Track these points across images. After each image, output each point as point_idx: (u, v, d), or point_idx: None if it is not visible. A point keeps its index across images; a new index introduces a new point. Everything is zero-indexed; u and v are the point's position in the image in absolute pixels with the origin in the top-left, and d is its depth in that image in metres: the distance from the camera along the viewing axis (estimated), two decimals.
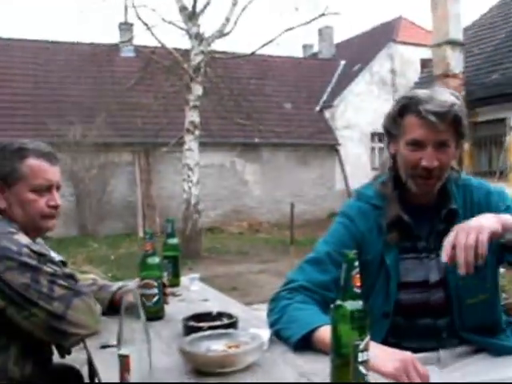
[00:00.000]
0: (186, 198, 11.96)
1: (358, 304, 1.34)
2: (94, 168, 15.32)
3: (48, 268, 1.85)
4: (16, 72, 17.45)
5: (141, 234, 15.54)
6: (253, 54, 13.43)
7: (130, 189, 16.43)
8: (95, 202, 15.48)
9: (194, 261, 10.53)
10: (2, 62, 17.48)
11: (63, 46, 18.78)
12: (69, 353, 2.08)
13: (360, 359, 1.34)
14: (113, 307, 2.25)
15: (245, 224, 17.12)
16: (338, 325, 1.36)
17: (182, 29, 12.44)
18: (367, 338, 1.36)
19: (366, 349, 1.35)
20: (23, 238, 1.89)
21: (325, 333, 1.62)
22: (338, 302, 1.35)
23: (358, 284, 1.35)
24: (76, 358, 2.34)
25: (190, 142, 11.93)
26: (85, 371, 2.50)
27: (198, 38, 12.19)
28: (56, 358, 2.10)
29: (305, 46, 27.38)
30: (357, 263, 1.35)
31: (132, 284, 2.29)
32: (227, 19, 12.29)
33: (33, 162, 2.01)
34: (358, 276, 1.35)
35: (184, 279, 2.83)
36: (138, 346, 1.42)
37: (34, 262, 1.82)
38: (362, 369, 1.35)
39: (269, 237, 15.30)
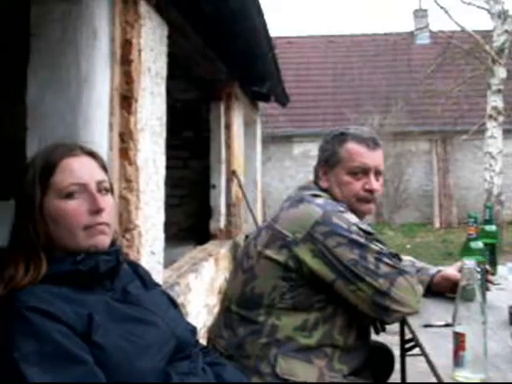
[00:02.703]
0: (487, 188, 11.38)
1: None
2: (391, 157, 15.44)
3: (375, 246, 1.94)
4: (317, 66, 18.42)
5: (437, 224, 15.27)
6: None
7: (426, 178, 16.21)
8: (392, 191, 15.62)
9: None
10: (303, 58, 18.60)
11: (359, 39, 19.23)
12: (383, 330, 2.16)
13: None
14: (431, 289, 2.26)
15: None
16: None
17: (482, 8, 11.82)
18: None
19: None
20: (352, 217, 2.00)
21: None
22: None
23: None
24: (384, 339, 2.42)
25: (493, 129, 11.31)
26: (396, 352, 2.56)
27: (502, 16, 11.45)
28: None
29: None
30: None
31: (452, 268, 2.26)
32: None
33: (351, 146, 2.12)
34: None
35: (502, 268, 2.72)
36: (473, 326, 1.42)
37: (362, 240, 1.92)
38: None
39: None
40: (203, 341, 2.13)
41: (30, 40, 2.52)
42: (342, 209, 2.01)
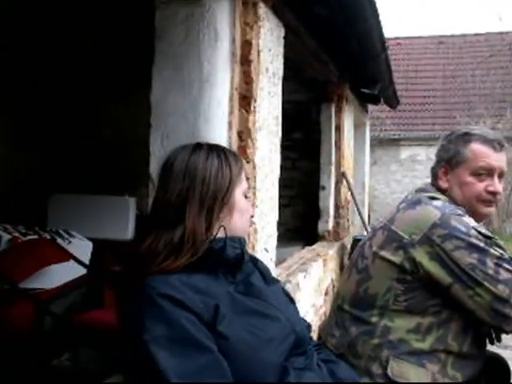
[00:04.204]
0: None
1: None
2: None
3: (495, 251, 1.88)
4: (427, 68, 18.00)
5: None
6: None
7: None
8: (503, 199, 14.98)
9: None
10: (412, 60, 18.24)
11: (471, 39, 18.63)
12: (499, 340, 2.08)
13: None
14: None
15: None
16: None
17: None
18: None
19: None
20: (471, 220, 1.96)
21: None
22: None
23: None
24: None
25: None
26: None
27: None
28: None
29: None
30: None
31: None
32: None
33: (475, 146, 2.07)
34: None
35: None
36: None
37: (481, 244, 1.87)
38: None
39: None
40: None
41: (154, 42, 2.63)
42: (460, 212, 1.98)
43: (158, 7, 2.62)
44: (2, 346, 3.24)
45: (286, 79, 3.41)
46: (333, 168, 6.12)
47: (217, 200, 1.52)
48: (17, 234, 4.26)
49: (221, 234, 1.53)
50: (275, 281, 1.80)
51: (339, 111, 6.14)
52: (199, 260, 1.47)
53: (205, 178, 1.51)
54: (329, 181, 6.09)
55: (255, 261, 1.78)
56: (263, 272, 1.74)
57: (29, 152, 5.61)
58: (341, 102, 6.15)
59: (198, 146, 1.60)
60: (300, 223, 6.63)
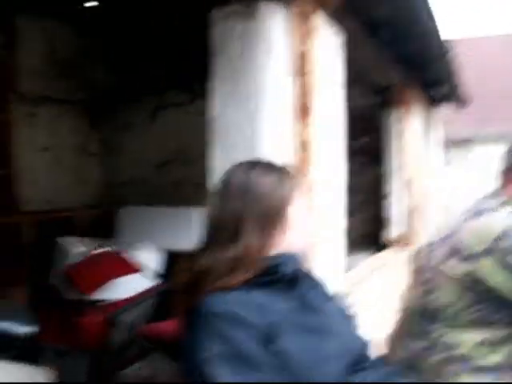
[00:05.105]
0: None
1: None
2: None
3: None
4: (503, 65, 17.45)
5: None
6: None
7: None
8: None
9: None
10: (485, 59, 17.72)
11: None
12: None
13: None
14: None
15: None
16: None
17: None
18: None
19: None
20: None
21: None
22: None
23: None
24: None
25: None
26: None
27: None
28: None
29: None
30: None
31: None
32: None
33: None
34: None
35: None
36: None
37: None
38: None
39: None
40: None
41: (211, 57, 2.64)
42: None
43: (215, 23, 2.64)
44: (75, 355, 3.34)
45: (351, 84, 3.37)
46: (399, 174, 6.03)
47: (273, 217, 1.52)
48: (88, 247, 4.40)
49: (277, 251, 1.52)
50: (333, 296, 1.78)
51: (406, 115, 6.02)
52: (255, 277, 1.46)
53: (261, 195, 1.52)
54: (395, 187, 6.01)
55: (313, 276, 1.76)
56: (321, 287, 1.72)
57: None
58: (407, 106, 6.03)
59: (255, 164, 1.60)
60: (367, 229, 6.54)
